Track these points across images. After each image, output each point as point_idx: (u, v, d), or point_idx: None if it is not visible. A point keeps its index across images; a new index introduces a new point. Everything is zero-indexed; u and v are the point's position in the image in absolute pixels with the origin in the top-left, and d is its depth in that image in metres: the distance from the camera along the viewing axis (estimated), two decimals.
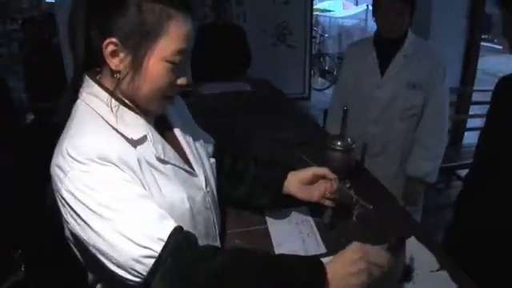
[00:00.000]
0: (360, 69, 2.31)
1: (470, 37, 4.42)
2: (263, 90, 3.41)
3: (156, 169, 1.04)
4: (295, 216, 1.54)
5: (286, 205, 1.50)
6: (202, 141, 1.33)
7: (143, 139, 1.04)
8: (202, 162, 1.24)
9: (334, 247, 1.36)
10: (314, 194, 1.39)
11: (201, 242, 0.99)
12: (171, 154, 1.10)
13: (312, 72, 7.70)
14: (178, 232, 0.93)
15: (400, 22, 2.11)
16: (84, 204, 0.89)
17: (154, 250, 0.89)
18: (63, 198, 0.92)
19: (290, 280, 0.94)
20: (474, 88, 4.64)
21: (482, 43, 4.87)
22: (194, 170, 1.18)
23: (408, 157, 2.32)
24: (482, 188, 1.49)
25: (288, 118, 2.73)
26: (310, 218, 1.53)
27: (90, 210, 0.89)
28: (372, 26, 8.39)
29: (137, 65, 0.98)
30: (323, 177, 1.40)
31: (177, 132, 1.22)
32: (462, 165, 3.82)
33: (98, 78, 1.06)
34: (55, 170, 0.94)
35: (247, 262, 0.96)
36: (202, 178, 1.19)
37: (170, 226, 0.93)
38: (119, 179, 0.93)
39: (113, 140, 0.98)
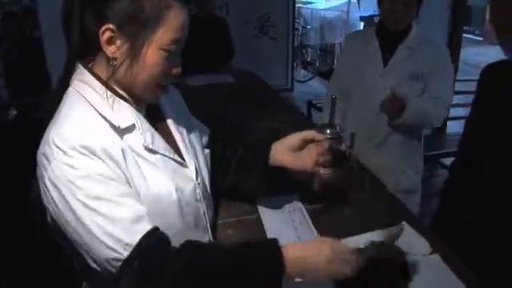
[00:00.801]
0: (361, 59, 2.29)
1: (452, 28, 4.46)
2: (247, 81, 3.41)
3: (144, 158, 1.03)
4: (287, 205, 1.53)
5: (277, 188, 1.46)
6: (196, 132, 1.31)
7: (131, 128, 1.03)
8: (194, 152, 1.23)
9: (326, 234, 1.36)
10: (307, 160, 1.31)
11: (190, 235, 1.02)
12: (160, 144, 1.09)
13: (294, 64, 7.70)
14: (148, 237, 0.93)
15: (407, 13, 2.10)
16: (63, 197, 0.90)
17: (121, 254, 0.90)
18: (46, 187, 0.93)
19: (250, 270, 0.96)
20: (457, 78, 4.69)
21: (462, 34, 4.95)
22: (184, 160, 1.16)
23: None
24: (468, 175, 1.50)
25: (273, 108, 2.73)
26: (301, 206, 1.53)
27: (68, 205, 0.90)
28: (354, 17, 8.48)
29: (135, 52, 0.97)
30: (312, 140, 1.34)
31: (169, 122, 1.20)
32: (446, 153, 3.87)
33: (90, 65, 1.04)
34: (41, 158, 0.95)
35: (207, 258, 0.97)
36: (192, 168, 1.17)
37: (141, 230, 0.92)
38: (99, 175, 0.92)
39: (99, 128, 0.97)
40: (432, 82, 2.19)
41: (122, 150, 0.99)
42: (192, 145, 1.23)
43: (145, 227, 0.93)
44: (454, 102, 4.57)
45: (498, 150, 1.36)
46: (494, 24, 1.28)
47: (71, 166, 0.90)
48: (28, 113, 4.23)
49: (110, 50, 0.97)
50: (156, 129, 1.11)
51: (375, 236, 1.36)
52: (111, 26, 0.94)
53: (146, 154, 1.04)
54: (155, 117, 1.16)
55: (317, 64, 8.86)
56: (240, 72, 3.68)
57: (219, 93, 2.99)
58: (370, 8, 8.36)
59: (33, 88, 3.81)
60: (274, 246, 0.98)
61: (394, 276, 1.19)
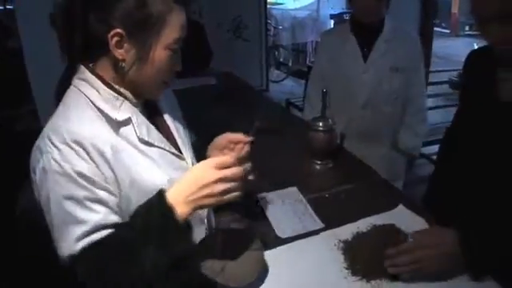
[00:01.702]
0: (339, 56, 2.33)
1: (423, 20, 4.57)
2: (229, 83, 3.43)
3: (139, 150, 1.09)
4: (288, 197, 1.59)
5: None
6: (187, 128, 1.37)
7: (127, 121, 1.08)
8: (189, 146, 1.29)
9: (329, 222, 1.43)
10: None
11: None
12: (156, 137, 1.14)
13: (269, 64, 7.74)
14: (90, 250, 0.97)
15: (379, 6, 2.15)
16: (46, 189, 0.98)
17: (66, 257, 0.98)
18: (36, 177, 1.00)
19: (146, 225, 0.98)
20: (429, 70, 4.82)
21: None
22: (181, 153, 1.22)
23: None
24: (455, 161, 1.56)
25: (259, 107, 2.77)
26: (301, 197, 1.58)
27: (48, 196, 0.97)
28: (324, 15, 8.57)
29: (143, 54, 1.03)
30: (238, 142, 1.36)
31: (166, 117, 1.26)
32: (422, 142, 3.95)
33: (91, 65, 1.08)
34: (35, 152, 1.01)
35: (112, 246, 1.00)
36: (189, 161, 1.23)
37: (87, 242, 0.97)
38: (80, 177, 0.97)
39: (94, 123, 1.03)
40: (412, 79, 2.29)
41: (115, 144, 1.04)
42: (187, 139, 1.30)
43: (90, 240, 0.97)
44: (427, 93, 4.71)
45: (481, 135, 1.42)
46: (474, 15, 1.32)
47: (58, 162, 0.96)
48: (5, 126, 4.17)
49: (119, 53, 1.02)
50: (154, 123, 1.17)
51: (375, 220, 1.43)
52: (119, 30, 0.99)
53: (141, 146, 1.09)
54: (153, 112, 1.22)
55: (290, 64, 8.91)
56: (221, 74, 3.71)
57: (204, 95, 3.01)
58: (338, 6, 8.48)
59: (10, 99, 3.75)
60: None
61: None
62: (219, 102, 2.79)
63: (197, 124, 2.24)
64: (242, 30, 6.61)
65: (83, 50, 1.05)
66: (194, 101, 2.85)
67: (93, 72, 1.07)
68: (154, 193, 1.02)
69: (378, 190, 1.66)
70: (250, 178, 1.21)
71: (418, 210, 1.48)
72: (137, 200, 1.04)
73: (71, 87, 1.08)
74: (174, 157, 1.18)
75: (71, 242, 0.96)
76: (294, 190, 1.63)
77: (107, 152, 1.01)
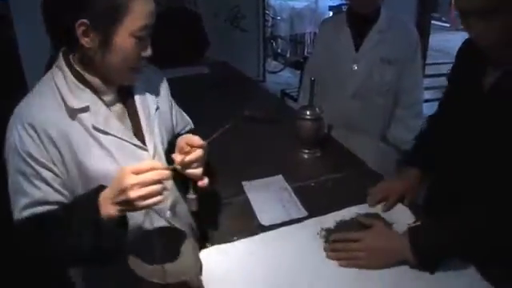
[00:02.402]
0: (334, 45, 2.31)
1: (421, 14, 4.54)
2: (224, 72, 3.42)
3: (94, 138, 1.13)
4: (273, 185, 1.57)
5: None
6: (170, 119, 1.39)
7: (85, 109, 1.12)
8: (161, 138, 1.29)
9: (313, 210, 1.42)
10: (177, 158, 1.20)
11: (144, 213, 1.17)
12: (115, 126, 1.16)
13: (266, 55, 7.72)
14: (31, 220, 1.08)
15: None
16: (7, 164, 1.10)
17: (14, 222, 1.10)
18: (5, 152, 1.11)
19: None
20: (426, 62, 4.79)
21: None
22: (145, 144, 1.23)
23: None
24: (447, 146, 1.56)
25: (252, 96, 2.76)
26: (287, 185, 1.57)
27: (8, 171, 1.10)
28: (323, 7, 8.53)
29: (107, 42, 1.07)
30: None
31: (139, 106, 1.26)
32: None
33: (72, 54, 1.13)
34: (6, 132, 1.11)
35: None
36: (151, 152, 1.23)
37: (30, 212, 1.08)
38: (29, 157, 1.07)
39: (52, 108, 1.10)
40: (405, 72, 2.24)
41: (67, 129, 1.10)
42: (160, 130, 1.29)
43: (29, 212, 1.08)
44: (424, 85, 4.70)
45: (463, 123, 1.42)
46: (456, 7, 1.30)
47: (15, 141, 1.07)
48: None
49: (85, 42, 1.06)
50: (127, 111, 1.22)
51: (360, 209, 1.42)
52: (84, 20, 1.03)
53: (96, 134, 1.13)
54: (127, 100, 1.23)
55: (287, 55, 8.87)
56: (216, 63, 3.69)
57: (196, 84, 3.00)
58: None
59: (5, 89, 3.72)
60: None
61: None
62: (211, 92, 2.77)
63: (185, 110, 2.24)
64: (239, 20, 6.58)
65: (62, 39, 1.10)
66: (185, 90, 2.84)
67: (66, 60, 1.12)
68: (102, 180, 1.07)
69: (365, 180, 1.64)
70: (201, 183, 1.17)
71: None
72: (83, 183, 1.12)
73: (47, 74, 1.15)
74: (134, 147, 1.20)
75: (18, 210, 1.09)
76: (279, 178, 1.62)
77: (57, 136, 1.08)
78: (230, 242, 1.27)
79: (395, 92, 2.27)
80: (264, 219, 1.37)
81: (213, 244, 1.28)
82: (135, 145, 1.19)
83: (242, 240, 1.28)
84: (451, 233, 1.17)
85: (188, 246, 1.14)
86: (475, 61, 1.37)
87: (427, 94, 4.67)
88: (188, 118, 1.54)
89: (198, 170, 1.16)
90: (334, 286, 1.12)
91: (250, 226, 1.35)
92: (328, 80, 2.36)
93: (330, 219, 1.36)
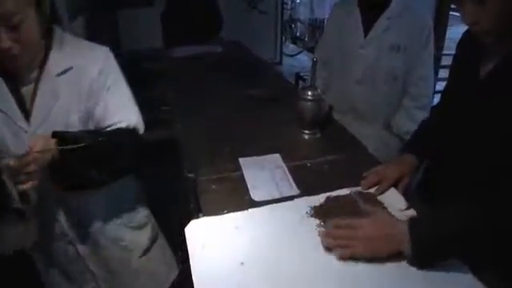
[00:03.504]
0: (343, 28, 2.31)
1: (439, 4, 4.49)
2: (235, 52, 3.42)
3: None
4: (269, 162, 1.59)
5: None
6: (84, 108, 1.40)
7: None
8: (55, 122, 1.32)
9: (306, 189, 1.43)
10: None
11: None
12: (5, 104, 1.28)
13: (284, 38, 7.69)
14: None
15: None
16: None
17: None
18: None
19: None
20: (443, 53, 4.74)
21: (450, 13, 4.97)
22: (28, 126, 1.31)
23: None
24: (445, 134, 1.56)
25: (261, 76, 2.76)
26: (282, 164, 1.58)
27: None
28: None
29: None
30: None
31: (42, 87, 1.33)
32: None
33: None
34: None
35: None
36: (30, 133, 1.30)
37: None
38: None
39: None
40: (415, 60, 2.21)
41: None
42: (57, 115, 1.34)
43: None
44: (440, 76, 4.64)
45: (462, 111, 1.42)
46: None
47: None
48: None
49: None
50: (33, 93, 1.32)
51: (353, 191, 1.43)
52: None
53: None
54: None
55: (306, 39, 8.81)
56: (228, 43, 3.69)
57: (205, 62, 3.01)
58: None
59: None
60: None
61: None
62: (220, 70, 2.78)
63: (190, 90, 2.27)
64: (257, 1, 6.56)
65: None
66: (195, 68, 2.86)
67: None
68: None
69: (362, 163, 1.64)
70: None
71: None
72: None
73: None
74: (17, 127, 1.30)
75: None
76: (276, 156, 1.63)
77: None
78: (219, 214, 1.30)
79: (404, 82, 2.26)
80: (256, 195, 1.39)
81: (204, 215, 1.31)
82: (19, 126, 1.30)
83: (231, 214, 1.30)
84: (453, 229, 1.12)
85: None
86: (473, 50, 1.37)
87: (439, 86, 4.63)
88: (132, 116, 1.48)
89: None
90: (318, 265, 1.13)
91: (242, 201, 1.37)
92: (335, 63, 2.35)
93: (321, 199, 1.37)
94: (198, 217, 1.31)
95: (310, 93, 1.74)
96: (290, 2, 8.84)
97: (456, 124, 1.41)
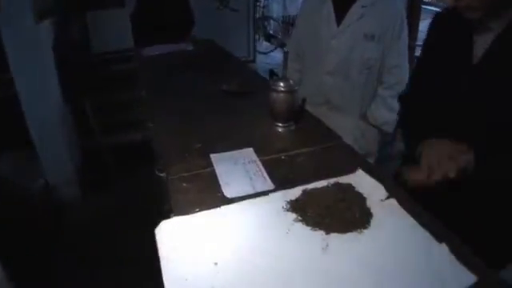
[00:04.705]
0: (315, 18, 2.25)
1: None
2: (207, 49, 3.36)
3: None
4: (241, 157, 1.52)
5: None
6: None
7: None
8: None
9: (281, 183, 1.37)
10: None
11: None
12: None
13: (257, 36, 7.66)
14: None
15: None
16: None
17: None
18: None
19: None
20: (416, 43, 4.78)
21: (423, 6, 5.04)
22: None
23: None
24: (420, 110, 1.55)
25: (233, 72, 2.70)
26: (256, 159, 1.52)
27: None
28: None
29: None
30: None
31: None
32: None
33: None
34: None
35: None
36: None
37: None
38: None
39: None
40: (389, 49, 2.18)
41: None
42: None
43: None
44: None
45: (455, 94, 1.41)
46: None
47: None
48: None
49: None
50: None
51: (329, 183, 1.38)
52: None
53: None
54: None
55: (279, 36, 8.81)
56: (201, 41, 3.63)
57: (177, 61, 2.94)
58: None
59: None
60: None
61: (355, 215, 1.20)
62: (191, 68, 2.71)
63: (162, 89, 2.20)
64: (229, 0, 6.52)
65: None
66: (167, 65, 2.79)
67: None
68: None
69: (338, 155, 1.59)
70: None
71: (380, 177, 1.41)
72: None
73: None
74: None
75: None
76: (249, 150, 1.56)
77: None
78: (191, 213, 1.23)
79: (378, 71, 2.22)
80: (228, 192, 1.32)
81: (175, 215, 1.23)
82: None
83: (203, 212, 1.23)
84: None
85: None
86: (457, 31, 1.35)
87: None
88: None
89: None
90: (296, 260, 1.06)
91: (214, 199, 1.30)
92: (308, 55, 2.31)
93: (297, 192, 1.31)
94: (168, 217, 1.24)
95: (282, 84, 1.68)
96: (262, 0, 8.81)
97: (453, 110, 1.41)
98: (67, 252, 3.10)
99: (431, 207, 1.24)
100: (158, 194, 1.63)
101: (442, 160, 1.33)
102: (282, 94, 1.68)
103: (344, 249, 1.10)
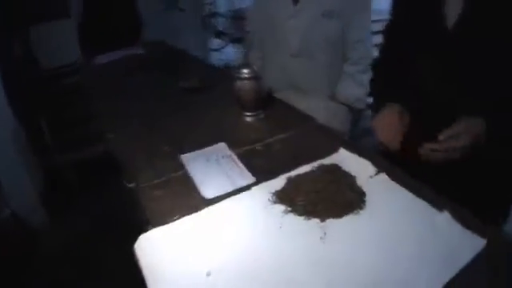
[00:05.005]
0: (271, 1, 2.15)
1: None
2: (160, 51, 3.22)
3: None
4: (214, 153, 1.41)
5: None
6: None
7: None
8: None
9: (262, 175, 1.27)
10: None
11: None
12: None
13: (207, 33, 7.54)
14: None
15: None
16: None
17: None
18: None
19: None
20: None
21: None
22: None
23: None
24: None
25: (190, 68, 2.58)
26: (230, 153, 1.41)
27: None
28: None
29: None
30: None
31: None
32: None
33: None
34: None
35: None
36: None
37: None
38: None
39: None
40: (350, 24, 2.09)
41: None
42: None
43: None
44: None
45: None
46: None
47: None
48: None
49: None
50: None
51: (313, 166, 1.29)
52: None
53: None
54: None
55: (229, 31, 8.69)
56: (151, 43, 3.50)
57: (129, 66, 2.79)
58: None
59: None
60: None
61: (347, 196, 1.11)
62: (144, 71, 2.58)
63: (117, 97, 2.07)
64: (176, 0, 6.38)
65: None
66: (117, 73, 2.65)
67: None
68: None
69: (315, 136, 1.51)
70: None
71: (364, 153, 1.33)
72: None
73: None
74: None
75: None
76: (221, 145, 1.45)
77: None
78: (170, 222, 1.11)
79: (342, 47, 2.13)
80: (207, 192, 1.21)
81: (153, 226, 1.11)
82: None
83: (183, 219, 1.11)
84: None
85: None
86: None
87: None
88: None
89: None
90: (297, 256, 0.96)
91: (193, 202, 1.18)
92: (267, 40, 2.20)
93: (281, 182, 1.22)
94: (146, 230, 1.12)
95: (246, 71, 1.57)
96: None
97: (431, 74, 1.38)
98: (40, 277, 2.93)
99: (420, 175, 1.19)
100: (131, 207, 1.50)
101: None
102: (247, 81, 1.57)
103: (344, 234, 1.01)
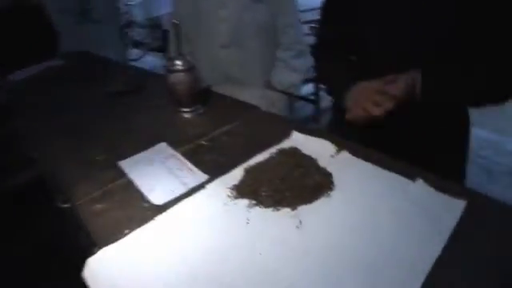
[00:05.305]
0: None
1: None
2: (80, 61, 3.04)
3: None
4: (156, 155, 1.27)
5: None
6: None
7: None
8: None
9: (214, 171, 1.15)
10: None
11: None
12: None
13: (125, 43, 7.31)
14: None
15: None
16: None
17: None
18: None
19: None
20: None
21: None
22: None
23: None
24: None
25: (114, 74, 2.41)
26: (173, 152, 1.27)
27: None
28: None
29: None
30: None
31: None
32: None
33: None
34: None
35: None
36: None
37: None
38: None
39: None
40: (281, 7, 2.01)
41: None
42: None
43: None
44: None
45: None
46: None
47: None
48: None
49: None
50: None
51: (270, 153, 1.18)
52: None
53: None
54: None
55: (147, 40, 8.50)
56: (72, 54, 3.30)
57: (48, 78, 2.59)
58: None
59: None
60: None
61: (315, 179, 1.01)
62: (67, 81, 2.39)
63: (41, 112, 1.88)
64: (90, 12, 6.13)
65: None
66: (38, 87, 2.45)
67: None
68: None
69: (263, 124, 1.40)
70: None
71: (319, 133, 1.25)
72: None
73: None
74: None
75: None
76: (163, 145, 1.31)
77: None
78: (120, 238, 0.96)
79: (272, 33, 2.06)
80: (156, 198, 1.07)
81: (101, 246, 0.96)
82: None
83: (135, 232, 0.97)
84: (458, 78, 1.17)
85: None
86: None
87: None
88: None
89: None
90: (272, 253, 0.85)
91: (142, 212, 1.04)
92: (194, 31, 2.08)
93: (237, 174, 1.10)
94: (93, 253, 0.96)
95: (179, 62, 1.44)
96: (123, 6, 8.40)
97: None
98: None
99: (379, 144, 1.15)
100: (71, 230, 1.32)
101: (370, 95, 1.23)
102: (181, 74, 1.44)
103: (319, 219, 0.91)
